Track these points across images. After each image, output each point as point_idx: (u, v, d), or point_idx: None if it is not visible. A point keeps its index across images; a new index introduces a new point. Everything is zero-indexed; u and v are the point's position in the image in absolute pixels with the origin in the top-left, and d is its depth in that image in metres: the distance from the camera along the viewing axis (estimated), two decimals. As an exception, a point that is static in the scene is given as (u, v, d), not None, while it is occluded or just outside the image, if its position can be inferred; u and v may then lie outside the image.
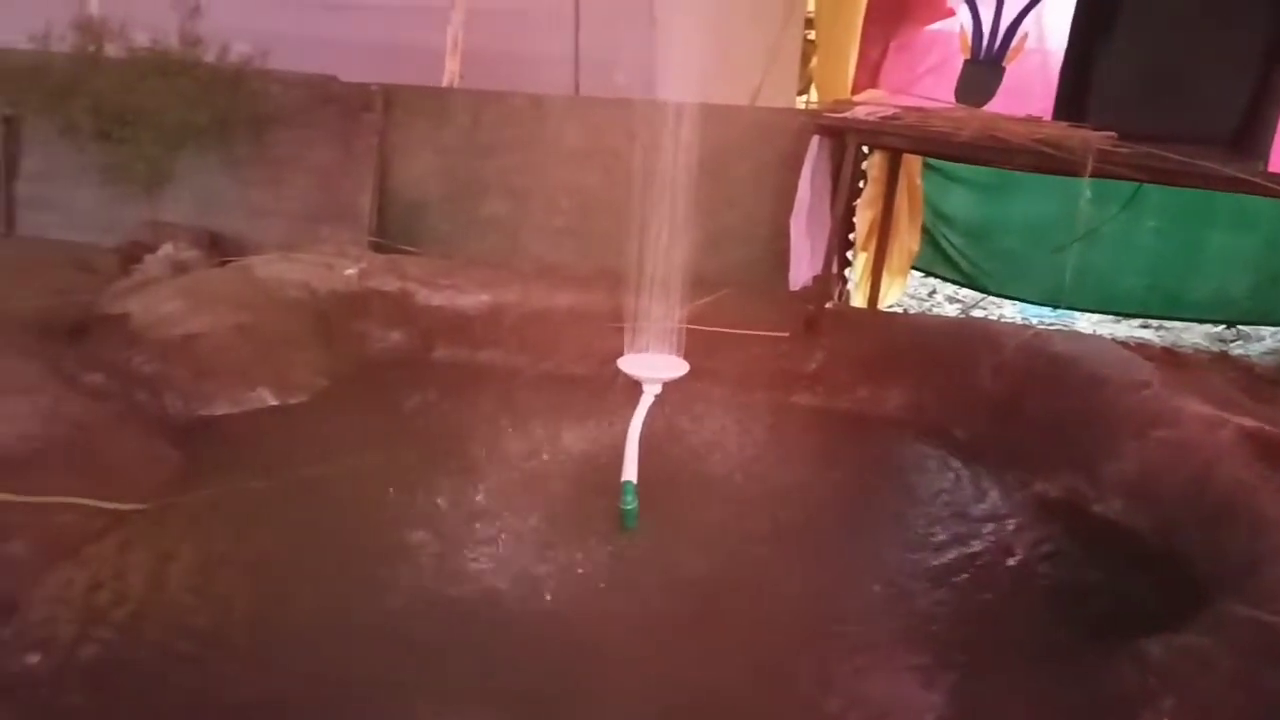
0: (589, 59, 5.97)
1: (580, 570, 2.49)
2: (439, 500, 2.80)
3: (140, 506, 2.61)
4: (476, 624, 2.27)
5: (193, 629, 2.18)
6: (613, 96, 5.15)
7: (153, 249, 4.51)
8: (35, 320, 3.56)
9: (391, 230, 4.88)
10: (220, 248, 4.86)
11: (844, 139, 3.99)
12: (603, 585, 2.44)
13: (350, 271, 4.24)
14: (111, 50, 4.52)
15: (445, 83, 5.02)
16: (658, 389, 2.77)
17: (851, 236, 4.96)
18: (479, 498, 2.84)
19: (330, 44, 5.16)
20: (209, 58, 4.55)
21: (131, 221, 4.88)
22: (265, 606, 2.30)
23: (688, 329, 2.87)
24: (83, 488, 2.58)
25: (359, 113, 4.84)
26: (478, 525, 2.69)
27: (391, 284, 4.23)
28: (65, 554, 2.37)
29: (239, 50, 4.59)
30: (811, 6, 5.32)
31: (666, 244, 2.85)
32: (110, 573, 2.34)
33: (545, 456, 3.12)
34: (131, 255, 4.57)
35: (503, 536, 2.64)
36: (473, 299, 4.21)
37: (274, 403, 3.46)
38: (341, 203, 4.91)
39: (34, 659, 1.99)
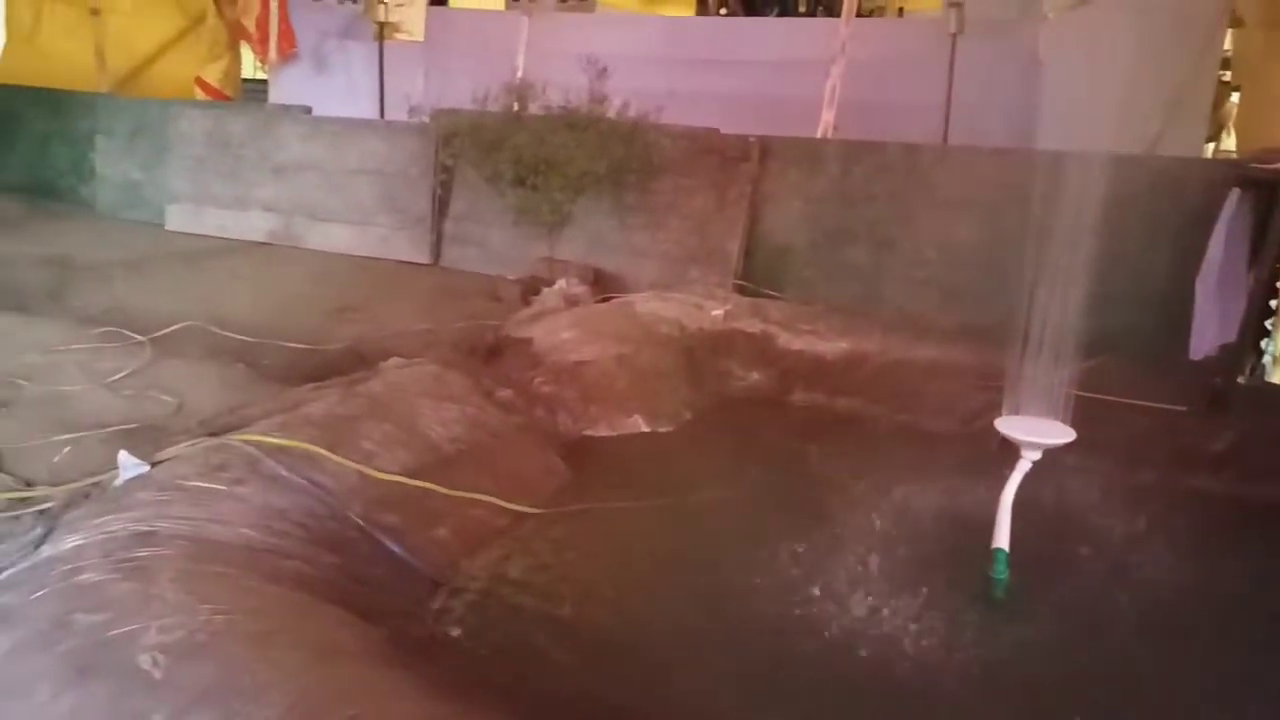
0: (961, 105, 5.83)
1: (944, 635, 2.40)
2: (796, 543, 2.85)
3: (536, 510, 2.94)
4: (829, 673, 2.28)
5: (573, 622, 2.42)
6: (987, 145, 4.98)
7: (549, 283, 5.09)
8: (459, 340, 4.16)
9: (757, 274, 5.08)
10: (602, 284, 5.36)
11: (1276, 193, 3.52)
12: (969, 655, 2.34)
13: (717, 312, 4.48)
14: (533, 109, 5.19)
15: (820, 133, 5.16)
16: (1037, 455, 2.62)
17: (1273, 303, 4.33)
18: (836, 546, 2.86)
19: (715, 98, 5.52)
20: (611, 113, 5.06)
21: (533, 258, 5.54)
22: (634, 616, 2.49)
23: (1067, 394, 2.68)
24: (491, 487, 2.96)
25: (736, 162, 5.12)
26: (834, 574, 2.70)
27: (754, 326, 4.41)
28: (477, 544, 2.74)
29: (637, 106, 5.05)
30: (1229, 44, 4.77)
31: (1044, 301, 2.69)
32: (511, 564, 2.67)
33: (905, 511, 3.06)
34: (531, 287, 5.19)
35: (860, 590, 2.63)
36: (832, 345, 4.26)
37: (645, 429, 3.73)
38: (712, 247, 5.21)
39: (455, 631, 2.32)
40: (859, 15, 5.99)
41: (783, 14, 8.27)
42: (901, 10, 8.91)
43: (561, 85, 5.21)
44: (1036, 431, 2.60)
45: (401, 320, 4.82)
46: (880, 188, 4.88)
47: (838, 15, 6.97)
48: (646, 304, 4.48)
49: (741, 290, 4.90)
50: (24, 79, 7.93)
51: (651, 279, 5.21)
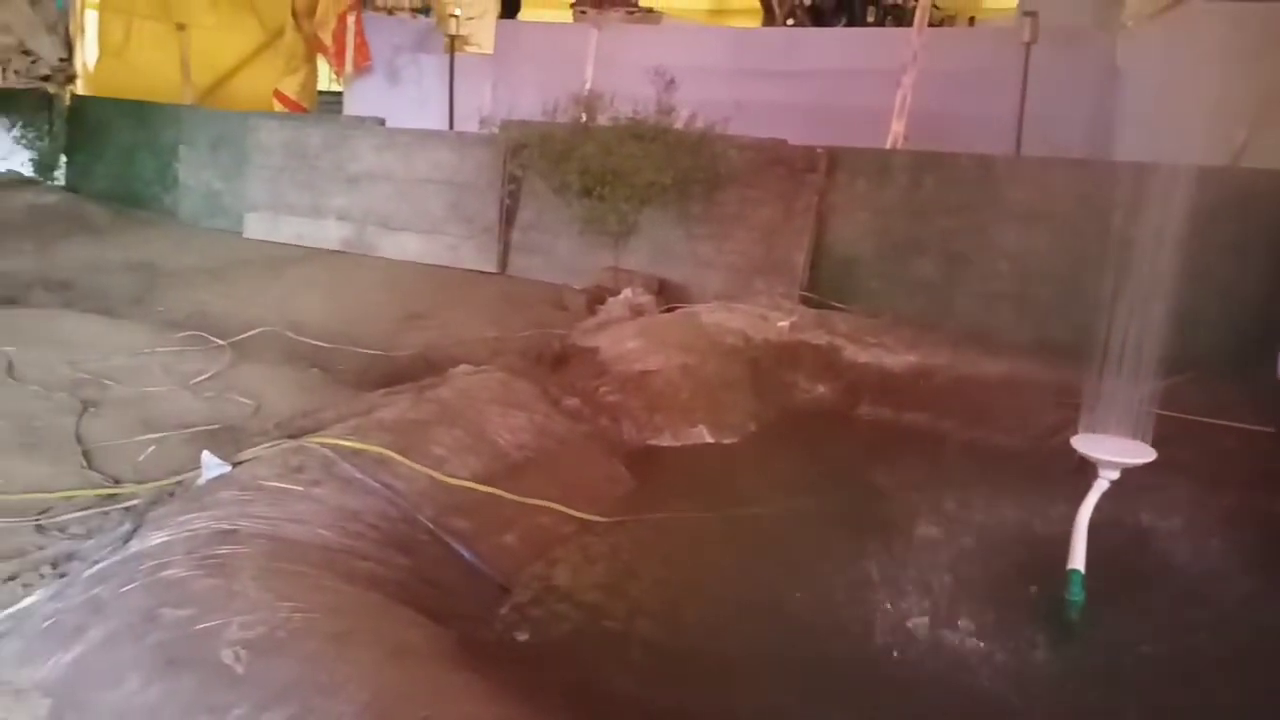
0: (1035, 115, 5.72)
1: (1015, 657, 2.35)
2: (862, 560, 2.82)
3: (602, 518, 2.96)
4: (892, 691, 2.25)
5: (638, 629, 2.43)
6: (1062, 156, 4.88)
7: (614, 292, 5.12)
8: (526, 348, 4.21)
9: (823, 286, 5.05)
10: (667, 294, 5.37)
11: (1371, 207, 3.37)
12: (1041, 678, 2.29)
13: (783, 324, 4.46)
14: (601, 120, 5.24)
15: (889, 144, 5.11)
16: (1115, 474, 2.55)
17: (1366, 321, 4.15)
18: (904, 563, 2.81)
19: (783, 109, 5.51)
20: (678, 124, 5.08)
21: (597, 267, 5.58)
22: (698, 624, 2.50)
23: (1148, 412, 2.61)
24: (557, 495, 2.99)
25: (803, 173, 5.10)
26: (902, 591, 2.66)
27: (821, 338, 4.37)
28: (544, 550, 2.76)
29: (704, 117, 5.07)
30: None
31: (1125, 317, 2.62)
32: (577, 571, 2.69)
33: (976, 529, 3.00)
34: (597, 296, 5.22)
35: (928, 608, 2.58)
36: (900, 359, 4.20)
37: (710, 440, 3.73)
38: (778, 258, 5.19)
39: (523, 636, 2.35)
40: (929, 25, 5.92)
41: (850, 24, 8.21)
42: (973, 19, 8.79)
43: (629, 96, 5.26)
44: (1115, 450, 2.53)
45: (469, 328, 4.90)
46: (951, 199, 4.80)
47: (906, 25, 6.91)
48: (712, 314, 4.48)
49: (807, 302, 4.87)
50: (114, 91, 8.29)
51: (716, 289, 5.21)
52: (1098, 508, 2.53)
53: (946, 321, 4.65)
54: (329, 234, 6.83)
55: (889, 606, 2.59)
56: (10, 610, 2.02)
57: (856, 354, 4.26)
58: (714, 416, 3.82)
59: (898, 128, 5.15)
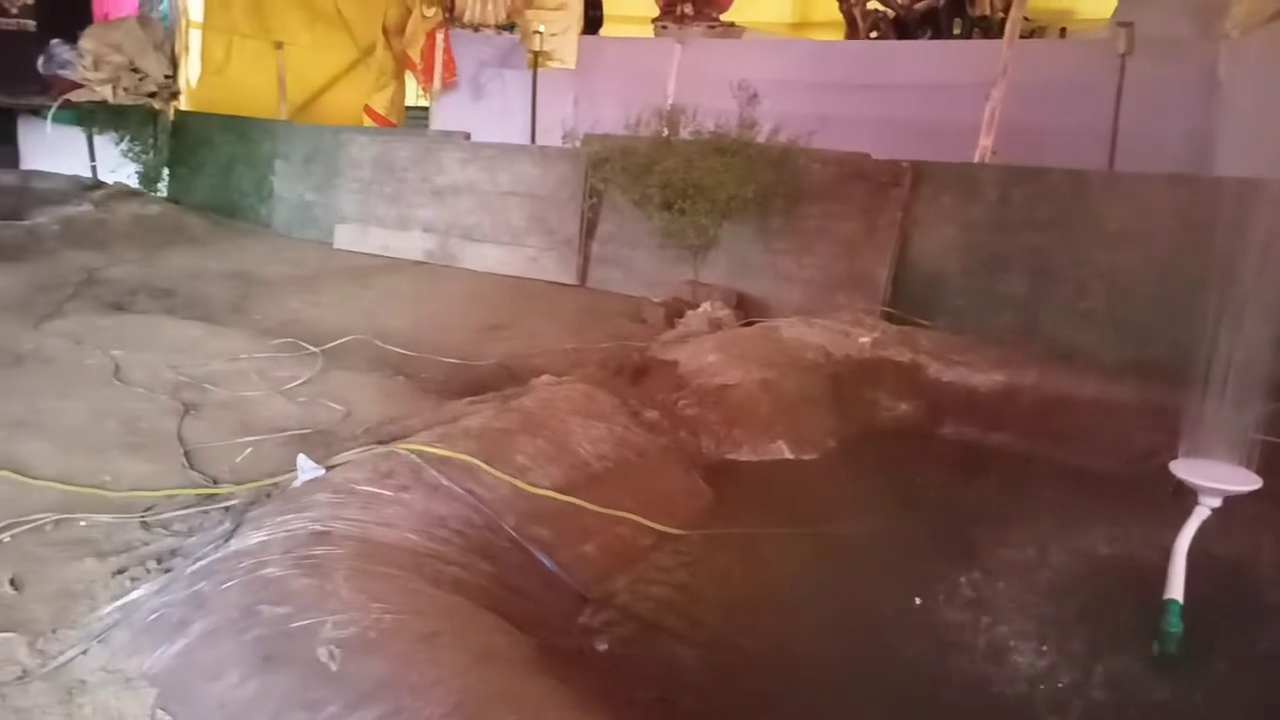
0: (1129, 129, 5.55)
1: (1108, 690, 2.27)
2: (945, 584, 2.76)
3: (681, 531, 2.96)
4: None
5: (716, 644, 2.42)
6: (1159, 171, 4.72)
7: (693, 306, 5.13)
8: (605, 359, 4.24)
9: (905, 302, 4.97)
10: (746, 308, 5.36)
11: None
12: (1136, 713, 2.20)
13: (864, 340, 4.40)
14: (683, 134, 5.27)
15: (977, 158, 5.01)
16: (1216, 502, 2.45)
17: None
18: (988, 589, 2.75)
19: (867, 123, 5.46)
20: (760, 138, 5.08)
21: (676, 280, 5.60)
22: (776, 642, 2.47)
23: (1252, 438, 2.50)
24: (636, 507, 3.00)
25: (887, 188, 5.04)
26: (986, 618, 2.60)
27: (903, 355, 4.31)
28: (623, 561, 2.78)
29: (787, 131, 5.05)
30: None
31: (1229, 338, 2.52)
32: (656, 583, 2.69)
33: (1066, 555, 2.91)
34: (675, 310, 5.24)
35: (1014, 636, 2.52)
36: (986, 377, 4.11)
37: (789, 456, 3.70)
38: (859, 273, 5.13)
39: (602, 646, 2.36)
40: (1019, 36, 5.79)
41: (936, 37, 8.08)
42: (1064, 31, 8.56)
43: (711, 110, 5.27)
44: (1217, 476, 2.43)
45: (549, 339, 4.97)
46: (1041, 215, 4.68)
47: (994, 37, 6.78)
48: (792, 329, 4.45)
49: (890, 318, 4.80)
50: (214, 107, 8.65)
51: (796, 304, 5.18)
52: (1197, 536, 2.43)
53: (1034, 340, 4.53)
54: (414, 245, 7.00)
55: (974, 634, 2.53)
56: (120, 602, 2.12)
57: (941, 372, 4.18)
58: (794, 432, 3.79)
59: (986, 142, 5.05)
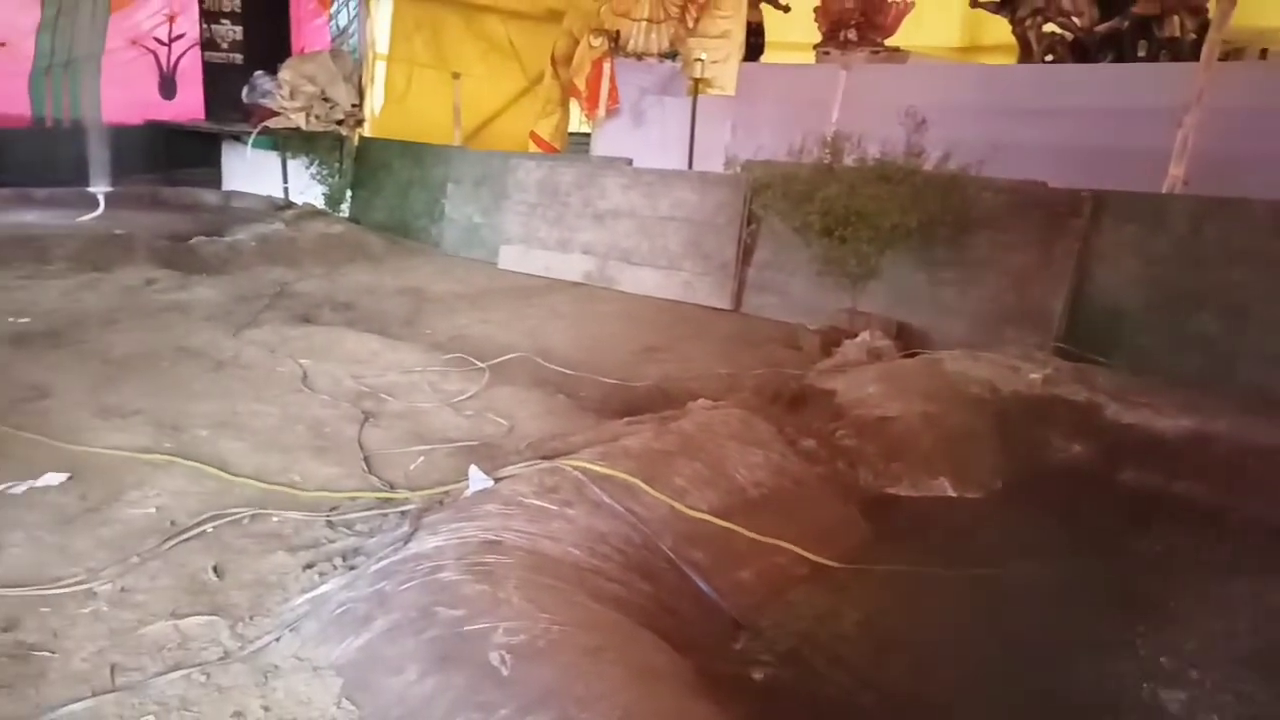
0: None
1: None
2: (1121, 638, 2.59)
3: (838, 564, 2.91)
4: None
5: (874, 683, 2.36)
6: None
7: (851, 335, 5.04)
8: (760, 386, 4.23)
9: (1081, 338, 4.71)
10: (905, 339, 5.22)
11: None
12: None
13: (1035, 376, 4.21)
14: (847, 161, 5.20)
15: (1166, 188, 4.71)
16: None
17: None
18: (1170, 647, 2.55)
19: (1043, 150, 5.23)
20: (928, 166, 4.95)
21: (832, 309, 5.52)
22: (936, 683, 2.40)
23: None
24: (792, 536, 2.97)
25: (1064, 217, 4.80)
26: (1167, 677, 2.42)
27: (1078, 394, 4.08)
28: (779, 590, 2.75)
29: (957, 158, 4.91)
30: None
31: None
32: (813, 616, 2.65)
33: (1256, 615, 2.68)
34: (832, 338, 5.16)
35: (1200, 703, 2.33)
36: (1172, 422, 3.84)
37: (952, 494, 3.57)
38: (1030, 306, 4.91)
39: (758, 675, 2.35)
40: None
41: (1119, 60, 7.66)
42: (1264, 52, 7.95)
43: (875, 137, 5.18)
44: None
45: (703, 362, 4.99)
46: (1238, 248, 4.35)
47: (1184, 60, 6.37)
48: (956, 362, 4.30)
49: (1063, 354, 4.56)
50: (395, 134, 9.21)
51: (960, 337, 5.00)
52: None
53: (1228, 385, 4.20)
54: (573, 266, 7.20)
55: (1152, 694, 2.36)
56: (309, 594, 2.28)
57: (1120, 413, 3.94)
58: (957, 469, 3.66)
59: (1176, 171, 4.74)
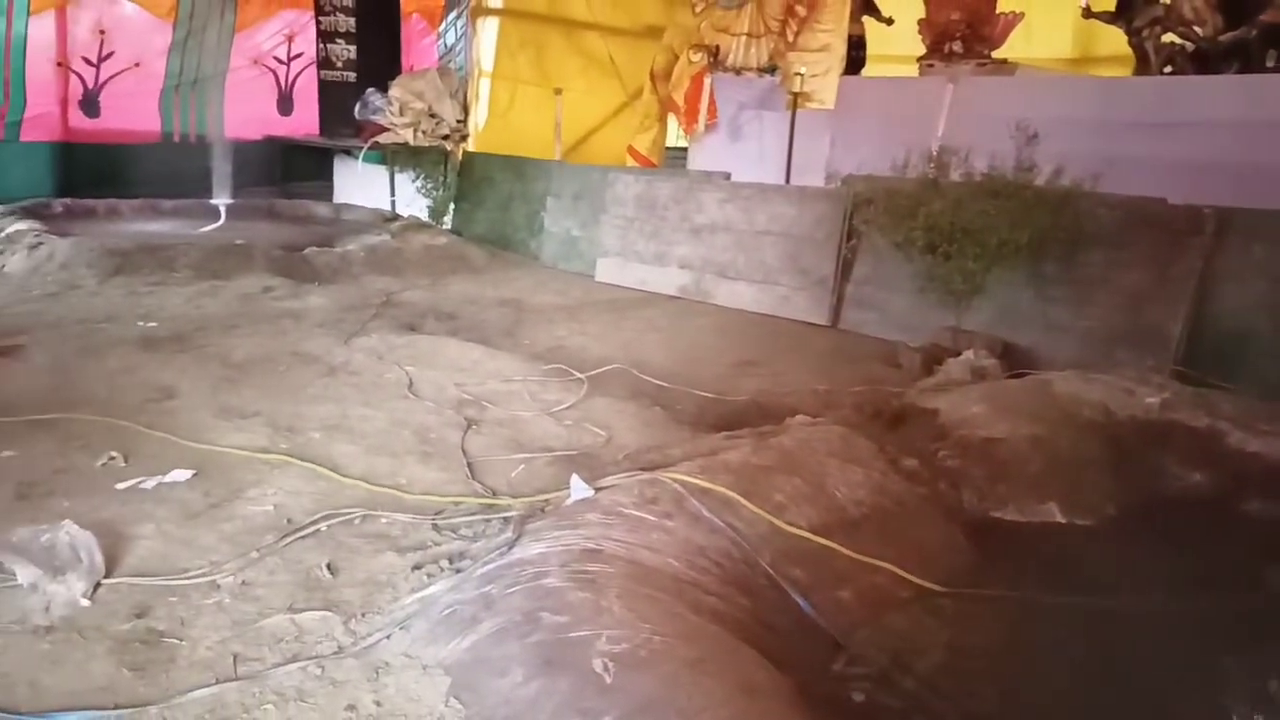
0: None
1: None
2: (1253, 678, 2.45)
3: (941, 588, 2.84)
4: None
5: (979, 714, 2.29)
6: None
7: (954, 353, 4.92)
8: (860, 403, 4.17)
9: (1202, 361, 4.49)
10: (1010, 358, 5.06)
11: None
12: None
13: (1152, 400, 4.02)
14: (953, 175, 5.09)
15: (1299, 205, 4.47)
16: None
17: None
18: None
19: (1163, 165, 5.03)
20: (1039, 181, 4.81)
21: (934, 326, 5.40)
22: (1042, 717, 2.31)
23: None
24: (893, 556, 2.91)
25: (1184, 235, 4.60)
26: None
27: (1199, 420, 3.89)
28: (879, 612, 2.70)
29: (1070, 173, 4.75)
30: None
31: None
32: (915, 640, 2.60)
33: None
34: (934, 356, 5.05)
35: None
36: (1302, 452, 3.62)
37: (1061, 520, 3.44)
38: (1146, 327, 4.71)
39: (858, 697, 2.31)
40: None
41: (1245, 70, 7.29)
42: None
43: (981, 151, 5.06)
44: None
45: (799, 378, 4.95)
46: (1381, 271, 4.09)
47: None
48: (1066, 383, 4.15)
49: (1182, 378, 4.35)
50: (498, 148, 9.44)
51: (1069, 358, 4.82)
52: None
53: (1366, 413, 3.94)
54: (669, 280, 7.24)
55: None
56: (418, 594, 2.35)
57: (1244, 441, 3.73)
58: (1067, 494, 3.52)
59: (1309, 187, 4.49)
